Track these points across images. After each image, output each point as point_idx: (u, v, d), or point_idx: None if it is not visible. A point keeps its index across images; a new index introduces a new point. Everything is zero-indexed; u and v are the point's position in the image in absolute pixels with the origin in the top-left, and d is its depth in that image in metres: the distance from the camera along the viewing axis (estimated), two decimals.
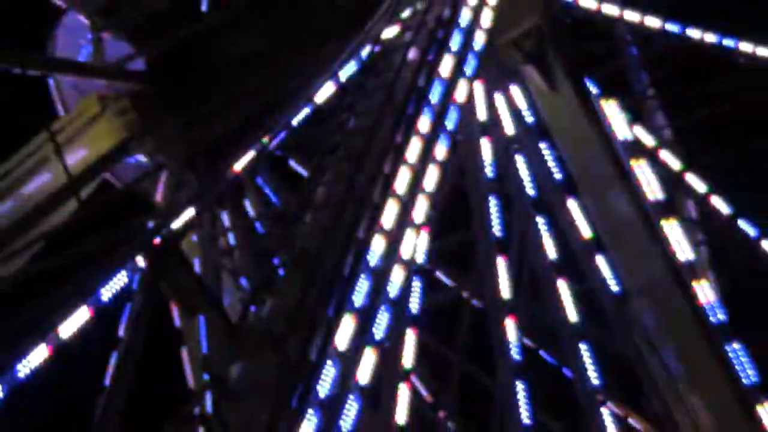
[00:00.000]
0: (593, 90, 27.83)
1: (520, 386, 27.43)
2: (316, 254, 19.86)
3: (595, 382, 27.27)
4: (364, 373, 19.01)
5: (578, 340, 27.70)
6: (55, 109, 28.00)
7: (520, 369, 27.45)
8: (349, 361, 18.74)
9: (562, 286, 27.71)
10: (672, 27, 30.75)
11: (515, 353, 27.65)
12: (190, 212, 22.52)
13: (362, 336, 19.18)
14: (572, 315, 27.63)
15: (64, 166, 25.37)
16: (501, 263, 27.93)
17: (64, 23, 28.05)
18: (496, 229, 27.87)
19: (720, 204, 29.97)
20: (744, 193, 30.92)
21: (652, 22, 30.33)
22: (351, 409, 18.61)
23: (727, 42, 31.01)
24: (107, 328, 22.02)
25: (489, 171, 27.73)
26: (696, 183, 29.95)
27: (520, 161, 27.98)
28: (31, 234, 25.48)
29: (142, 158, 27.78)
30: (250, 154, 22.60)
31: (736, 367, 25.21)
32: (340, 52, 24.45)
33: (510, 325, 27.78)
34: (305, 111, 22.98)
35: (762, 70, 31.17)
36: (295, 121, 22.80)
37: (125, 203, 26.84)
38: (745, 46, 31.12)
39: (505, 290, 27.86)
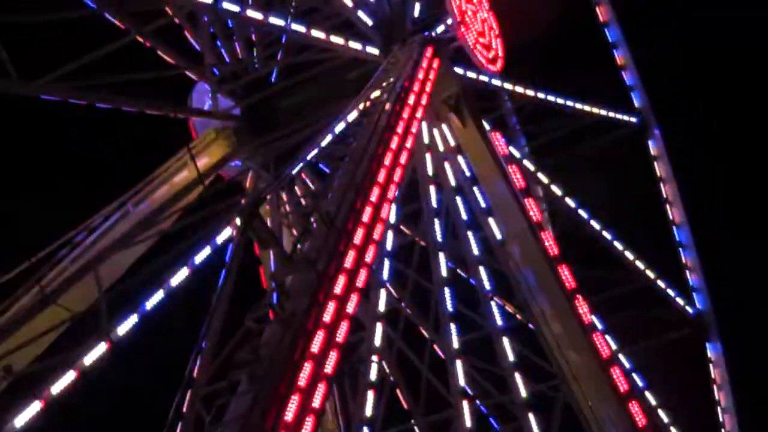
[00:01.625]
0: (486, 125, 27.13)
1: None
2: (333, 215, 19.70)
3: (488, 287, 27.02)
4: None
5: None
6: (191, 135, 28.03)
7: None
8: (352, 274, 18.59)
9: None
10: (529, 91, 30.70)
11: None
12: (265, 193, 23.20)
13: (361, 258, 19.12)
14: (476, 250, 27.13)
15: (195, 166, 25.79)
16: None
17: (197, 88, 28.17)
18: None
19: (556, 189, 30.79)
20: (571, 182, 31.19)
21: (518, 88, 30.49)
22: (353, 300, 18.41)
23: (559, 99, 31.28)
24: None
25: (430, 171, 27.23)
26: (543, 177, 30.62)
27: (447, 166, 27.21)
28: (176, 206, 25.50)
29: (238, 163, 27.82)
30: (301, 162, 22.39)
31: (567, 283, 24.53)
32: (350, 105, 23.84)
33: None
34: (329, 137, 22.72)
35: (577, 115, 31.87)
36: (323, 143, 22.64)
37: (230, 188, 26.73)
38: (569, 102, 31.61)
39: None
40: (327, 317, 17.54)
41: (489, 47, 27.90)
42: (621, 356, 26.97)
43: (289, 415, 15.86)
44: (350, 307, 18.35)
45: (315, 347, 16.96)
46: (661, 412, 29.37)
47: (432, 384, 27.68)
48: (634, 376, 28.98)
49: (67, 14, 22.72)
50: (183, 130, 27.66)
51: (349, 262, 18.94)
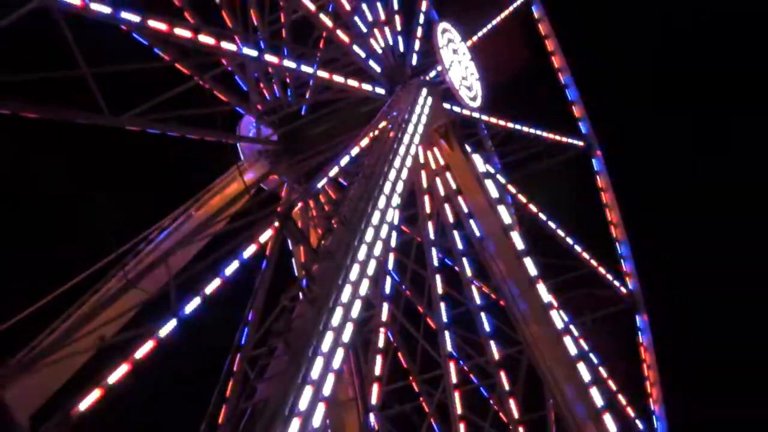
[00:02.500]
0: (469, 149, 26.90)
1: None
2: (349, 218, 19.72)
3: (469, 273, 26.76)
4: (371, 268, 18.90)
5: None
6: (239, 156, 27.64)
7: None
8: (364, 264, 18.53)
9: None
10: (501, 121, 30.85)
11: None
12: (296, 201, 23.41)
13: (371, 251, 18.96)
14: (460, 245, 27.00)
15: (243, 180, 25.45)
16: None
17: (244, 120, 27.89)
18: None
19: (522, 198, 31.11)
20: (534, 191, 31.59)
21: (492, 119, 30.71)
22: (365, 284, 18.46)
23: (524, 127, 31.52)
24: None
25: (425, 184, 27.03)
26: (512, 188, 30.94)
27: (438, 181, 26.75)
28: (227, 212, 24.24)
29: (276, 178, 27.41)
30: (324, 177, 22.33)
31: (530, 271, 24.42)
32: (362, 133, 23.65)
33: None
34: (347, 158, 22.59)
35: (539, 139, 32.22)
36: (342, 162, 22.50)
37: (269, 197, 26.53)
38: (532, 130, 32.02)
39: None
40: (344, 298, 17.53)
41: (470, 88, 28.03)
42: (571, 326, 26.50)
43: (314, 374, 15.88)
44: (363, 291, 18.26)
45: (335, 321, 16.94)
46: (601, 369, 29.38)
47: (426, 349, 27.65)
48: (582, 342, 28.82)
49: (148, 65, 23.13)
50: (230, 153, 27.51)
51: (361, 255, 18.92)
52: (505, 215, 25.36)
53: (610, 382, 30.10)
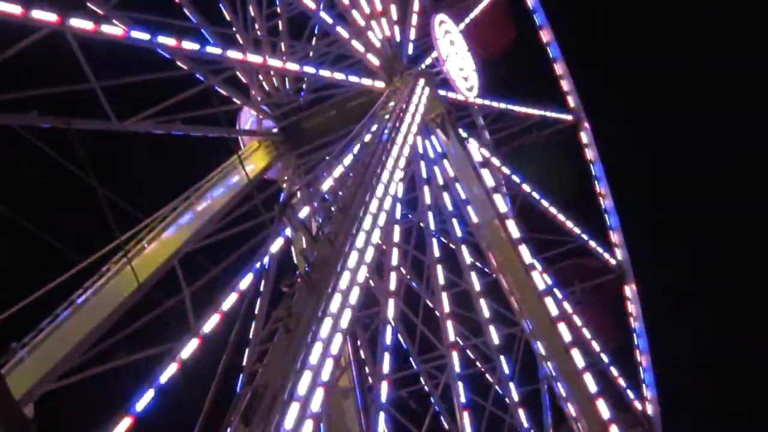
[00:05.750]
0: (463, 134, 27.05)
1: None
2: (348, 206, 19.57)
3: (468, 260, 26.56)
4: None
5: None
6: (240, 146, 27.80)
7: None
8: (361, 252, 18.45)
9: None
10: (493, 103, 30.87)
11: None
12: (297, 190, 23.88)
13: (369, 239, 19.00)
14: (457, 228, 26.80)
15: (244, 170, 25.33)
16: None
17: (243, 111, 28.17)
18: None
19: (515, 178, 31.28)
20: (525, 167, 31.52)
21: (485, 101, 30.63)
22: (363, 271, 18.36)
23: (515, 107, 31.53)
24: None
25: (424, 174, 26.88)
26: (506, 169, 31.03)
27: (438, 170, 26.57)
28: (231, 200, 24.87)
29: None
30: (322, 167, 22.47)
31: (527, 260, 24.02)
32: (360, 124, 23.37)
33: None
34: (345, 148, 22.65)
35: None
36: (340, 152, 22.46)
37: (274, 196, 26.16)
38: (522, 108, 31.99)
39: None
40: (342, 284, 17.40)
41: (467, 79, 28.04)
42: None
43: (313, 360, 15.74)
44: (361, 277, 18.13)
45: (334, 308, 16.81)
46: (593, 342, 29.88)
47: (428, 338, 27.42)
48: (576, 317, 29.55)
49: (160, 75, 23.38)
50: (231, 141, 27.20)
51: (360, 242, 18.79)
52: (501, 204, 25.21)
53: (604, 356, 30.55)
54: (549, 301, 23.12)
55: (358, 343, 26.86)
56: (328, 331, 16.30)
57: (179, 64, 24.74)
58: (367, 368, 26.70)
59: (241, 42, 26.95)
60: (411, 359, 27.36)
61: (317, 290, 17.02)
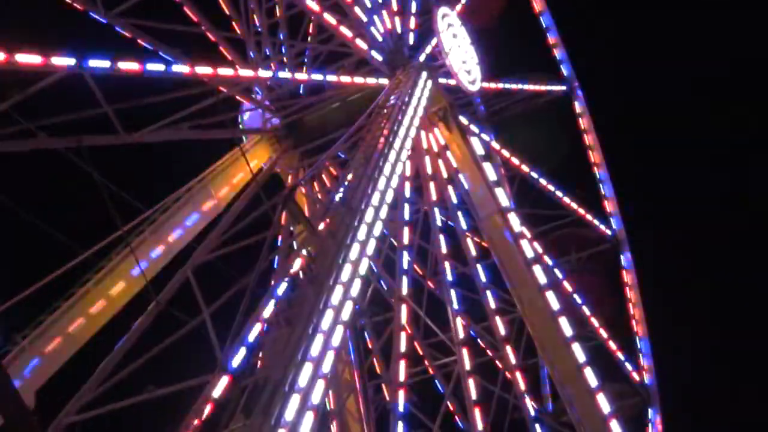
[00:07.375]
0: (464, 120, 26.83)
1: None
2: (349, 198, 19.37)
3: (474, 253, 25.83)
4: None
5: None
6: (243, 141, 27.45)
7: None
8: (363, 244, 18.24)
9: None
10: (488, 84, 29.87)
11: None
12: (297, 184, 23.87)
13: (371, 231, 18.73)
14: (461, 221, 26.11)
15: (247, 163, 25.15)
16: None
17: (245, 105, 27.79)
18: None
19: (515, 160, 30.76)
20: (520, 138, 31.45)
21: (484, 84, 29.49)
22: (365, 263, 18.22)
23: (508, 84, 31.28)
24: None
25: (429, 170, 26.34)
26: (505, 152, 30.71)
27: (440, 162, 26.08)
28: (236, 198, 24.95)
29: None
30: (323, 160, 22.75)
31: (526, 253, 23.98)
32: (362, 117, 23.27)
33: None
34: (346, 142, 22.70)
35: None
36: (342, 146, 22.70)
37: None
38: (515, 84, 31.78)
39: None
40: (344, 277, 17.22)
41: (470, 72, 27.70)
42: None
43: (314, 351, 15.62)
44: (362, 270, 17.96)
45: (335, 300, 16.66)
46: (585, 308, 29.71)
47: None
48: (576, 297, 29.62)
49: (175, 94, 23.14)
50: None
51: (361, 235, 18.59)
52: (503, 198, 25.00)
53: (594, 320, 30.40)
54: (549, 295, 23.17)
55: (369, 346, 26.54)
56: (329, 323, 16.11)
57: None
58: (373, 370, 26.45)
59: (245, 43, 27.42)
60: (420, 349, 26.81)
61: (318, 282, 16.85)
